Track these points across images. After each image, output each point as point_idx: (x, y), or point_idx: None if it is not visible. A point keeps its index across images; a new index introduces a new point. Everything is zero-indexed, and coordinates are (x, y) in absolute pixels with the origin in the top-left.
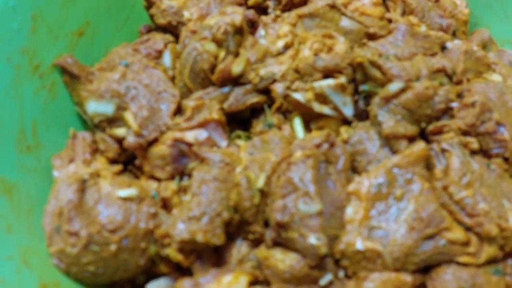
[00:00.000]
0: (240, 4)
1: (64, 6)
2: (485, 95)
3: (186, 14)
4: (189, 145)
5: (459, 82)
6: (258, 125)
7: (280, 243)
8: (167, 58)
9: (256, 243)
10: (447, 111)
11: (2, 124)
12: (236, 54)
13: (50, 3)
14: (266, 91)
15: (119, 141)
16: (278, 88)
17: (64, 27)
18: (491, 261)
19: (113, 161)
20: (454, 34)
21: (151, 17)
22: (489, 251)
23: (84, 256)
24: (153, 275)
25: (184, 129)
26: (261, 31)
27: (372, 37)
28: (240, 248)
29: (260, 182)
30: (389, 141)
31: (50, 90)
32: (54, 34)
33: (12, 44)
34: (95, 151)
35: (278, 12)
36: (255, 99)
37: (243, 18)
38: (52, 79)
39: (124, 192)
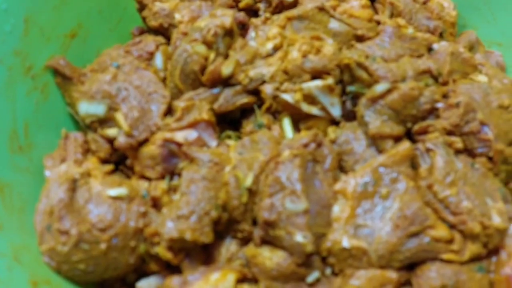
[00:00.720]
0: (231, 7)
1: (56, 8)
2: (469, 95)
3: (178, 16)
4: (179, 145)
5: (445, 83)
6: (248, 125)
7: (268, 241)
8: (158, 60)
9: (245, 241)
10: (433, 112)
11: None
12: (226, 56)
13: (42, 6)
14: (255, 92)
15: (110, 141)
16: (267, 89)
17: (57, 29)
18: (475, 259)
19: (104, 161)
20: (441, 36)
21: (143, 19)
22: (472, 248)
23: (74, 254)
24: (143, 273)
25: (174, 130)
26: (251, 33)
27: (360, 39)
28: (229, 247)
29: (248, 181)
30: (376, 141)
31: (43, 91)
32: (47, 36)
33: (5, 46)
34: (86, 151)
35: (268, 14)
36: (244, 99)
37: (233, 21)
38: (44, 81)
39: (114, 191)
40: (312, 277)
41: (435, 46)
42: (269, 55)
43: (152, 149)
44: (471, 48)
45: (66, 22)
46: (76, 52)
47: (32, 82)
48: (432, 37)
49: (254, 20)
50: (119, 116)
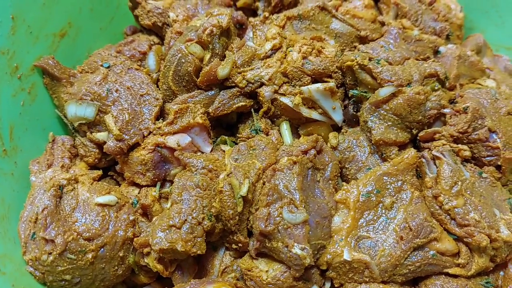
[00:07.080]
0: (228, 5)
1: (45, 6)
2: (477, 101)
3: (172, 15)
4: (171, 150)
5: (452, 88)
6: (244, 130)
7: (264, 253)
8: (151, 60)
9: (240, 253)
10: (439, 118)
11: None
12: (223, 57)
13: (31, 3)
14: (253, 95)
15: (100, 145)
16: (266, 92)
17: (45, 28)
18: (482, 273)
19: (93, 167)
20: (448, 38)
21: (136, 18)
22: (479, 262)
23: (59, 264)
24: (133, 285)
25: (166, 134)
26: (249, 33)
27: (364, 40)
28: (222, 259)
29: (244, 189)
30: (379, 148)
31: (30, 92)
32: (35, 34)
33: None
34: (74, 156)
35: (267, 14)
36: (241, 103)
37: (230, 20)
38: (32, 81)
39: (103, 199)
40: None
41: (442, 49)
42: (267, 56)
43: (143, 154)
44: (479, 51)
45: (55, 21)
46: (65, 52)
47: (18, 82)
48: (438, 39)
49: (252, 20)
50: (109, 119)
